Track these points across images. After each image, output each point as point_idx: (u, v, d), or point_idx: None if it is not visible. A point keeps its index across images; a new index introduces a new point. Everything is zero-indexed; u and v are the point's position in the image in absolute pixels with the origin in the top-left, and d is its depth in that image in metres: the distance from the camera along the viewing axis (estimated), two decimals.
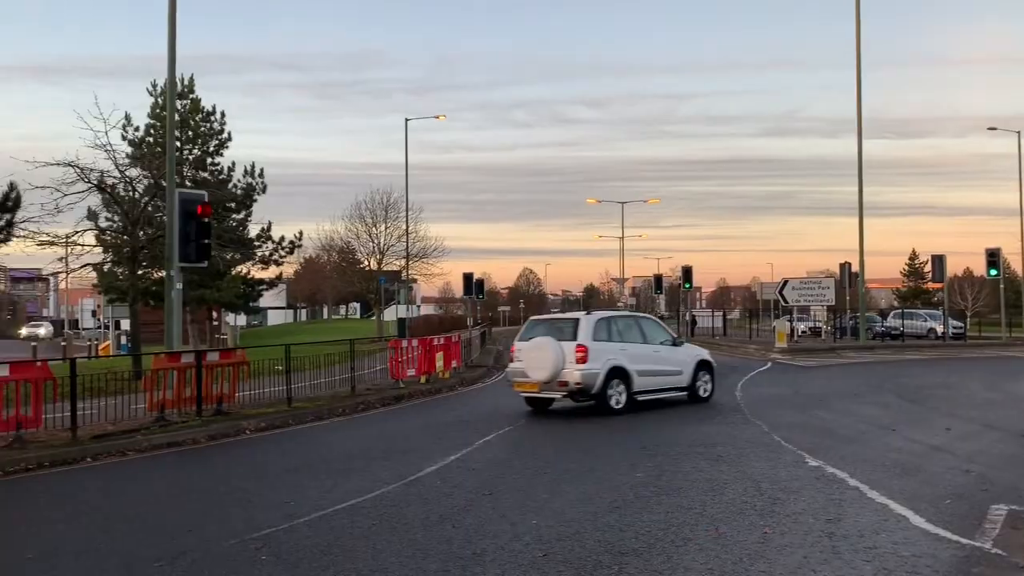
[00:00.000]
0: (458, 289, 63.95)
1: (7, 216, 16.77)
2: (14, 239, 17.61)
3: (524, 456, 10.24)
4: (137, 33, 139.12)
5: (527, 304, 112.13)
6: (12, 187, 16.57)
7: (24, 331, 69.53)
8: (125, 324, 44.56)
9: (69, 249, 24.34)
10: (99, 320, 60.71)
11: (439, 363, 20.71)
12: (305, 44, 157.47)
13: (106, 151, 21.56)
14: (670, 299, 71.46)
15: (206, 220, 14.60)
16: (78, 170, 20.90)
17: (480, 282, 44.31)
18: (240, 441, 12.68)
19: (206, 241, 14.58)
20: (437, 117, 47.21)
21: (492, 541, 6.27)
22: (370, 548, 6.16)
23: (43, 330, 66.89)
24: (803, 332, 45.52)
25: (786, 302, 40.56)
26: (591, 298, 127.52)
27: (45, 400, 11.82)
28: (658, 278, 57.84)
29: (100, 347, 42.93)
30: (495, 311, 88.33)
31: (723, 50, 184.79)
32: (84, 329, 65.49)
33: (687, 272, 47.94)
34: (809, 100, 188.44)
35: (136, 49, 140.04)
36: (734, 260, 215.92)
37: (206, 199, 14.91)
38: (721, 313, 56.36)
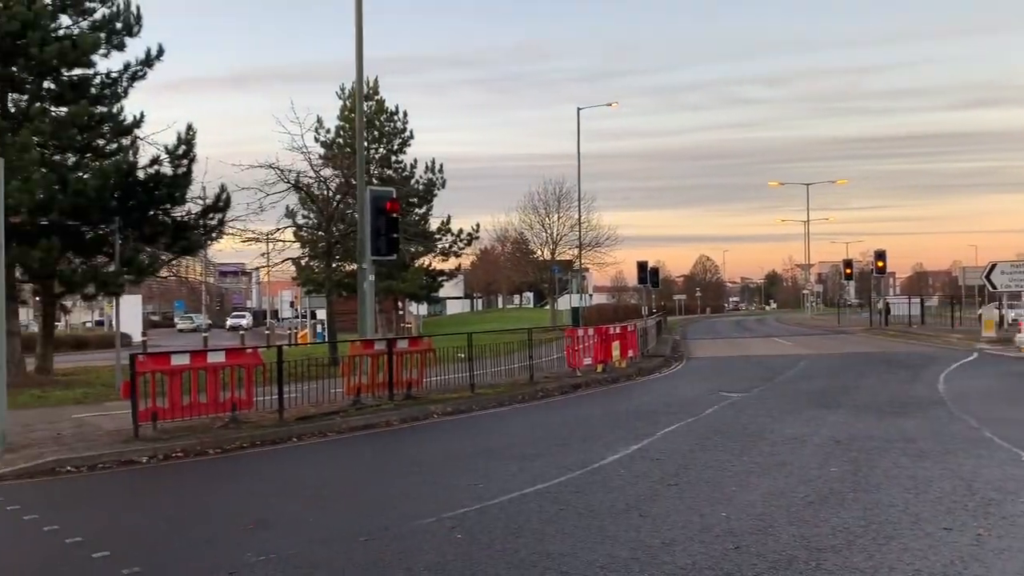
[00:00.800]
0: (631, 278, 63.52)
1: (219, 216, 18.44)
2: (224, 236, 19.32)
3: (709, 448, 10.06)
4: (327, 40, 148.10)
5: (704, 292, 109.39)
6: (223, 189, 18.20)
7: (229, 321, 75.66)
8: (321, 314, 47.70)
9: (271, 245, 26.32)
10: (296, 310, 65.41)
11: (615, 352, 20.69)
12: (478, 40, 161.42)
13: (302, 153, 23.15)
14: (860, 286, 67.43)
15: (394, 215, 15.35)
16: (278, 171, 22.61)
17: (655, 270, 43.74)
18: (429, 425, 13.27)
19: (395, 235, 15.34)
20: (610, 104, 47.01)
21: (681, 531, 6.24)
22: (558, 532, 6.30)
23: (245, 320, 72.51)
24: (1013, 320, 41.63)
25: (994, 287, 37.21)
26: (772, 285, 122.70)
27: (255, 384, 12.91)
28: (847, 263, 54.76)
29: (298, 335, 46.19)
30: (670, 300, 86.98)
31: (908, 18, 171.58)
32: (283, 319, 70.59)
33: (880, 256, 45.07)
34: (1013, 67, 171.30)
35: (326, 55, 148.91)
36: (931, 243, 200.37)
37: (394, 195, 15.68)
38: (918, 300, 52.55)
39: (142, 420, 11.52)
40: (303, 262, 38.03)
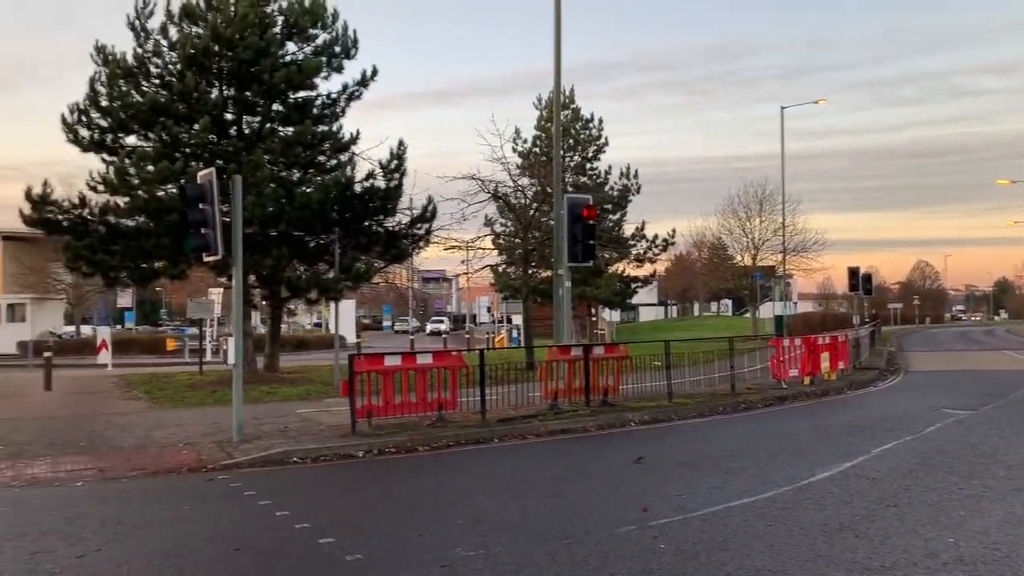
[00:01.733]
0: (840, 285, 59.96)
1: (426, 225, 19.44)
2: (430, 245, 20.35)
3: (932, 469, 9.34)
4: (524, 53, 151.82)
5: (922, 301, 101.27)
6: (430, 200, 19.20)
7: (428, 326, 78.89)
8: (517, 319, 48.91)
9: (471, 252, 27.33)
10: (493, 315, 67.43)
11: (824, 364, 19.65)
12: (670, 42, 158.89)
13: (501, 163, 23.86)
14: None
15: (591, 222, 15.49)
16: (479, 182, 23.46)
17: (867, 276, 40.99)
18: (626, 432, 13.26)
19: (591, 242, 15.48)
20: (817, 102, 44.85)
21: (902, 555, 5.85)
22: (767, 548, 6.11)
23: (443, 325, 75.35)
24: None
25: None
26: (1003, 293, 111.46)
27: (459, 386, 13.48)
28: None
29: (496, 340, 47.63)
30: (883, 308, 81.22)
31: None
32: (480, 324, 72.87)
33: None
34: None
35: (523, 67, 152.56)
36: None
37: (591, 202, 15.82)
38: None
39: (359, 417, 12.35)
40: (501, 269, 39.31)
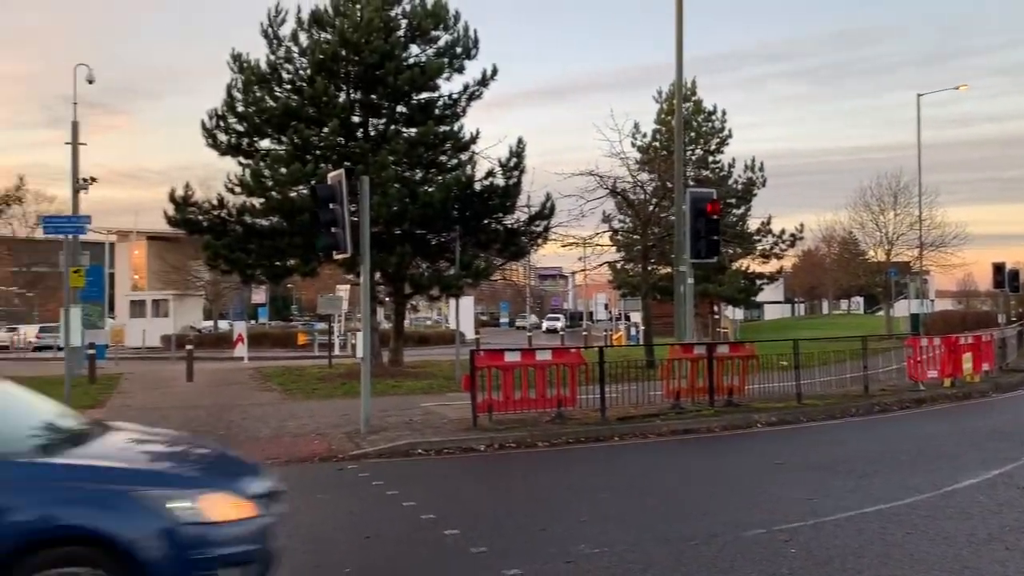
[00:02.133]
0: (983, 281, 56.34)
1: (544, 222, 19.54)
2: (548, 242, 20.43)
3: None
4: (638, 48, 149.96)
5: None
6: (548, 198, 19.29)
7: (544, 324, 78.85)
8: (635, 316, 48.45)
9: (588, 249, 27.22)
10: (610, 313, 66.97)
11: (967, 365, 18.50)
12: (795, 30, 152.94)
13: (620, 158, 23.64)
14: None
15: (715, 217, 15.17)
16: (598, 178, 23.31)
17: (1014, 272, 38.35)
18: (752, 434, 12.91)
19: (715, 237, 15.15)
20: (957, 88, 42.13)
21: None
22: (907, 557, 5.83)
23: (559, 323, 75.01)
24: None
25: None
26: None
27: (578, 383, 13.47)
28: None
29: (613, 337, 47.31)
30: None
31: None
32: (596, 321, 72.43)
33: None
34: None
35: (641, 62, 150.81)
36: None
37: (714, 197, 15.49)
38: None
39: (480, 411, 12.55)
40: (619, 265, 39.00)
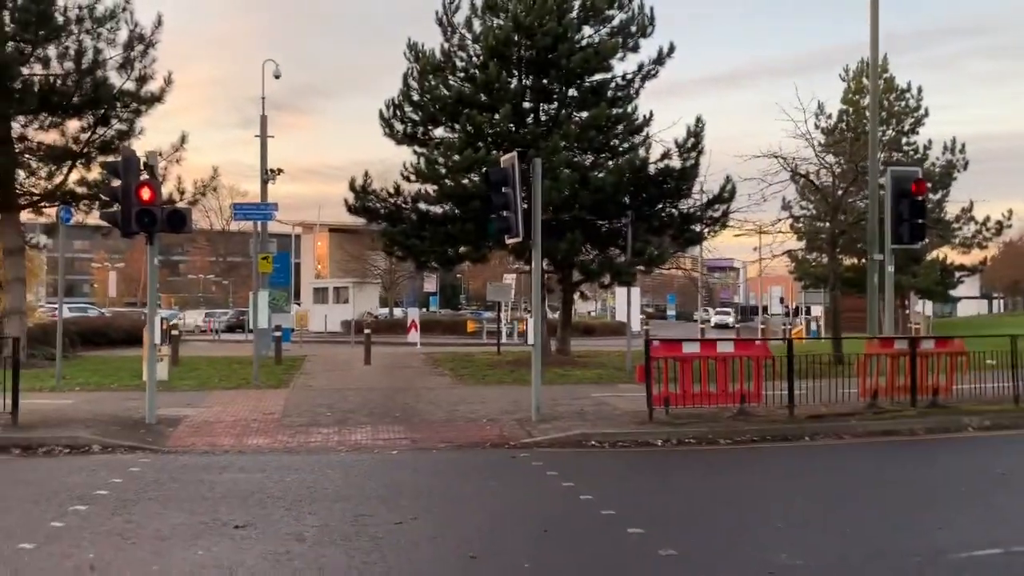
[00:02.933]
0: None
1: (723, 207, 18.56)
2: (725, 228, 19.41)
3: None
4: (815, 29, 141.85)
5: None
6: (727, 180, 18.30)
7: (714, 318, 75.71)
8: (815, 310, 45.89)
9: (771, 237, 25.75)
10: (786, 306, 63.85)
11: None
12: (995, 5, 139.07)
13: (806, 140, 22.15)
14: None
15: (919, 198, 13.78)
16: (781, 160, 21.93)
17: None
18: (962, 439, 11.57)
19: (920, 221, 13.76)
20: None
21: None
22: None
23: (730, 318, 71.59)
24: None
25: None
26: None
27: (763, 377, 12.59)
28: None
29: (792, 331, 44.98)
30: None
31: None
32: (771, 315, 69.10)
33: None
34: None
35: (824, 43, 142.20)
36: None
37: (919, 175, 14.07)
38: None
39: (655, 404, 11.98)
40: (800, 255, 36.91)
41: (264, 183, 22.42)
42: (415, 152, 19.29)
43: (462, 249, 18.53)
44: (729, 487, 8.49)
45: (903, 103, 36.65)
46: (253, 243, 15.83)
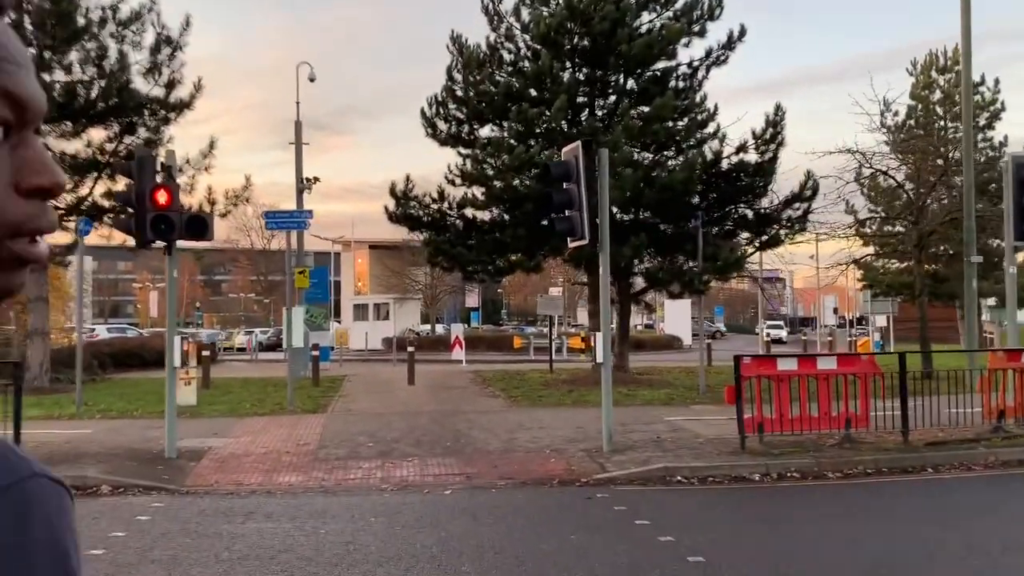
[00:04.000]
0: None
1: (804, 205, 16.83)
2: (805, 230, 17.64)
3: None
4: (884, 29, 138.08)
5: None
6: (808, 176, 16.59)
7: (768, 332, 72.07)
8: (879, 320, 43.61)
9: (836, 243, 23.92)
10: (840, 317, 61.01)
11: None
12: None
13: (886, 132, 20.34)
14: None
15: None
16: (859, 155, 20.11)
17: None
18: None
19: None
20: None
21: None
22: None
23: (783, 331, 67.97)
24: None
25: None
26: None
27: (871, 398, 10.92)
28: None
29: (858, 344, 42.70)
30: None
31: None
32: (825, 326, 66.32)
33: None
34: None
35: (885, 45, 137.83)
36: None
37: None
38: None
39: (748, 431, 10.39)
40: (867, 260, 34.74)
41: (300, 192, 21.20)
42: (460, 153, 17.84)
43: (513, 257, 16.90)
44: (853, 534, 6.85)
45: (978, 97, 34.37)
46: (287, 255, 14.56)
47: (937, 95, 35.49)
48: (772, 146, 16.31)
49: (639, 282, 16.82)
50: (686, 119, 17.05)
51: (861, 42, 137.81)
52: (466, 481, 9.23)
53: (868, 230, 32.83)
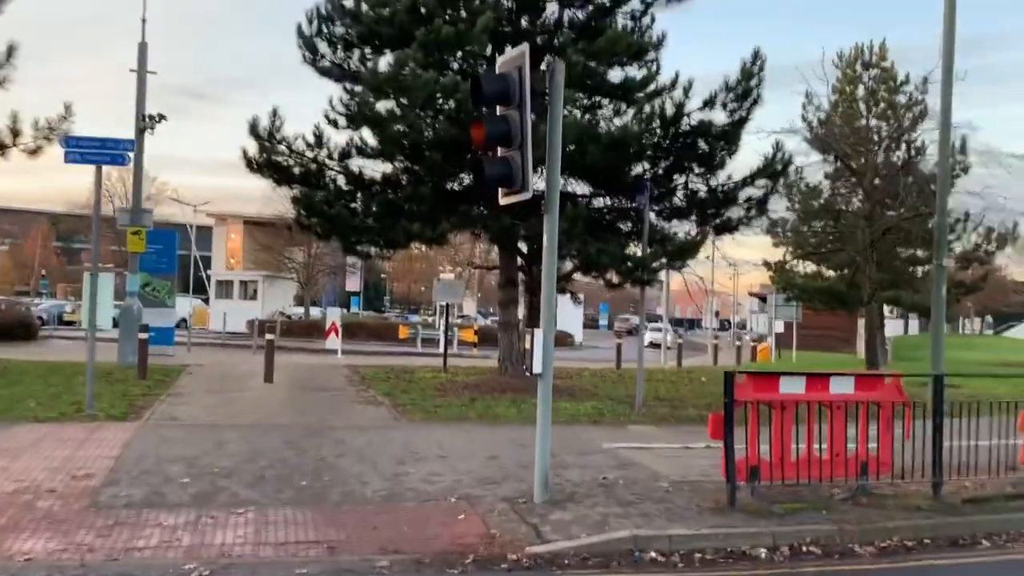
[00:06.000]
0: None
1: (770, 183, 13.98)
2: (764, 215, 14.87)
3: None
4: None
5: None
6: (778, 146, 13.76)
7: (648, 336, 69.52)
8: (778, 327, 42.49)
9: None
10: (721, 320, 59.95)
11: None
12: None
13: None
14: None
15: None
16: (807, 139, 17.64)
17: None
18: None
19: None
20: None
21: None
22: None
23: (669, 335, 64.77)
24: None
25: None
26: None
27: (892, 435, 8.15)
28: None
29: (758, 349, 41.30)
30: None
31: None
32: (704, 329, 65.25)
33: None
34: None
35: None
36: None
37: None
38: None
39: (740, 478, 7.41)
40: (785, 264, 32.96)
41: (140, 131, 17.03)
42: (347, 89, 13.93)
43: (414, 226, 13.04)
44: None
45: (905, 96, 33.08)
46: (95, 207, 10.49)
47: (861, 91, 34.16)
48: (746, 103, 13.27)
49: (566, 266, 13.58)
50: (637, 65, 13.75)
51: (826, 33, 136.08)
52: (327, 556, 5.89)
53: (780, 230, 31.14)
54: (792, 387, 7.86)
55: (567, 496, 7.64)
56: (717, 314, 72.80)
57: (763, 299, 70.58)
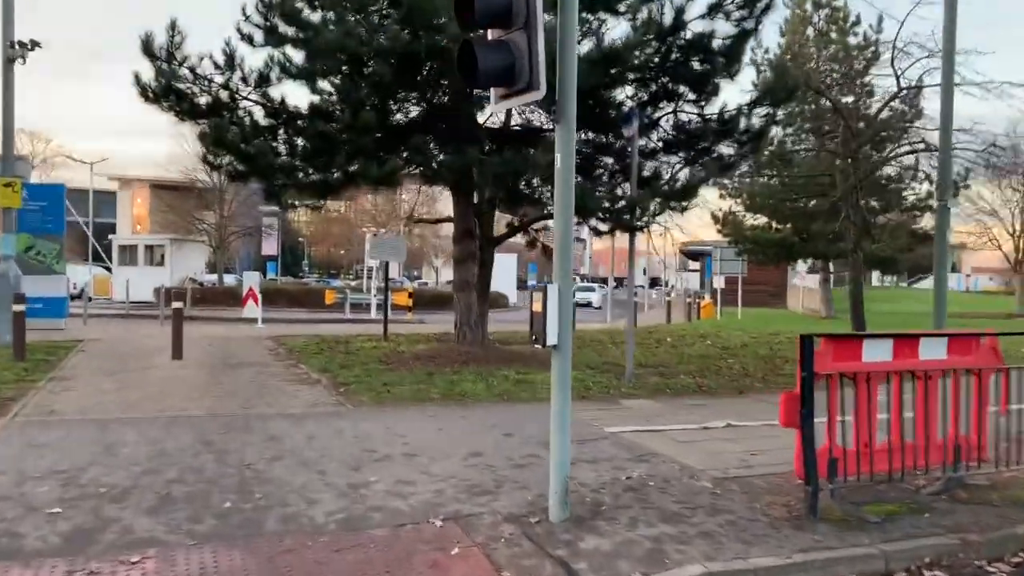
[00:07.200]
0: None
1: (774, 111, 12.06)
2: (761, 153, 12.97)
3: None
4: None
5: None
6: (780, 67, 11.76)
7: (577, 295, 67.30)
8: (718, 283, 41.44)
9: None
10: (649, 277, 58.92)
11: None
12: None
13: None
14: None
15: None
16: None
17: None
18: None
19: None
20: None
21: None
22: None
23: (595, 295, 61.05)
24: None
25: None
26: None
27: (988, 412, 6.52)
28: None
29: (702, 306, 40.17)
30: None
31: None
32: (642, 285, 64.20)
33: None
34: None
35: None
36: None
37: None
38: None
39: (822, 474, 5.65)
40: (729, 214, 31.56)
41: (8, 61, 14.19)
42: None
43: (354, 165, 10.59)
44: None
45: (856, 38, 31.85)
46: None
47: (811, 32, 32.87)
48: (756, 8, 11.23)
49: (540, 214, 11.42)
50: None
51: None
52: None
53: (728, 181, 29.87)
54: (877, 352, 6.08)
55: (591, 509, 5.74)
56: (644, 272, 72.06)
57: (693, 257, 70.39)
